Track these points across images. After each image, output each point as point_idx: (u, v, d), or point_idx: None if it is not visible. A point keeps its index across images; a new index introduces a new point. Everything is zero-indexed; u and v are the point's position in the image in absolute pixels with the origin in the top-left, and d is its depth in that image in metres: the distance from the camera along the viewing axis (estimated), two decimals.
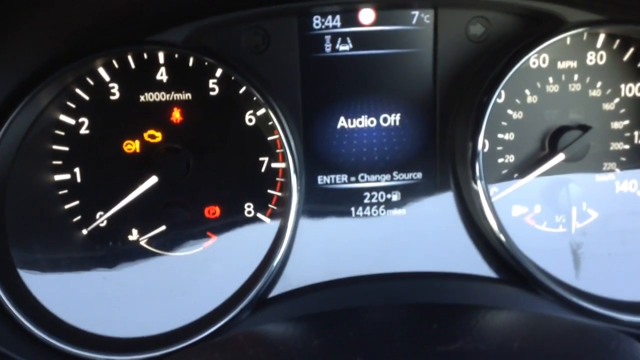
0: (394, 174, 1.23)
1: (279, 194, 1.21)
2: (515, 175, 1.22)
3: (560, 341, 0.81)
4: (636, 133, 1.22)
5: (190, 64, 1.16)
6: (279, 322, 0.95)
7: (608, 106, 1.21)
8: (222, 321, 1.11)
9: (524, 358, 0.73)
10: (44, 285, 1.17)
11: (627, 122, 1.21)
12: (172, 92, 1.17)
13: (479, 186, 1.13)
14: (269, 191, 1.21)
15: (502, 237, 1.14)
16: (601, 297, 1.18)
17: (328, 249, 1.21)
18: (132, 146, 1.18)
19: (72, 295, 1.17)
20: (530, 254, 1.19)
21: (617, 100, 1.21)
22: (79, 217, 1.20)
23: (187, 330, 1.13)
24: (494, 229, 1.14)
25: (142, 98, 1.17)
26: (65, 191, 1.19)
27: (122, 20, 1.08)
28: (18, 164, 1.14)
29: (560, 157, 1.18)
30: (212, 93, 1.17)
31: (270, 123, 1.15)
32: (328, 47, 1.18)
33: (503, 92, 1.19)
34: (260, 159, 1.20)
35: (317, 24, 1.17)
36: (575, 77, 1.19)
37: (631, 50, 1.19)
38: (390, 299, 1.11)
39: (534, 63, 1.19)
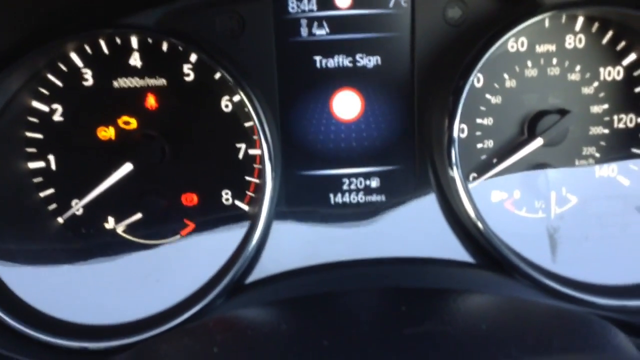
0: (373, 160, 1.22)
1: (257, 180, 1.20)
2: (495, 160, 1.21)
3: (529, 323, 0.81)
4: (615, 117, 1.21)
5: (165, 48, 1.15)
6: (250, 307, 0.94)
7: (587, 90, 1.20)
8: (197, 307, 1.10)
9: (490, 339, 0.72)
10: (18, 274, 1.16)
11: (606, 106, 1.21)
12: (146, 78, 1.16)
13: (455, 172, 1.13)
14: (247, 178, 1.20)
15: (479, 224, 1.14)
16: (577, 280, 1.17)
17: (305, 235, 1.21)
18: (106, 133, 1.17)
19: (45, 283, 1.17)
20: (508, 240, 1.18)
21: (596, 84, 1.20)
22: (54, 205, 1.19)
23: (161, 316, 1.12)
24: (470, 215, 1.14)
25: (115, 84, 1.15)
26: (40, 179, 1.18)
27: (93, 2, 1.07)
28: None
29: (538, 141, 1.17)
30: (187, 79, 1.16)
31: (246, 109, 1.13)
32: (304, 31, 1.17)
33: (481, 77, 1.18)
34: (237, 145, 1.19)
35: (292, 8, 1.16)
36: (554, 60, 1.18)
37: (610, 33, 1.18)
38: (368, 285, 1.11)
39: (512, 47, 1.18)
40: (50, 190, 1.18)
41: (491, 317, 0.80)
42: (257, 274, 1.17)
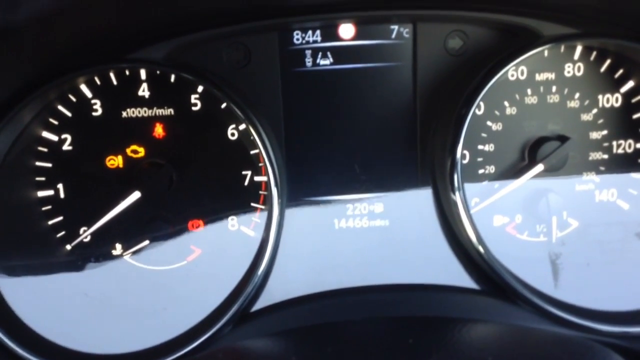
0: (377, 185, 1.24)
1: (262, 207, 1.22)
2: (496, 185, 1.23)
3: (534, 353, 0.82)
4: (614, 143, 1.23)
5: (172, 79, 1.17)
6: (258, 337, 0.95)
7: (586, 117, 1.22)
8: (204, 336, 1.11)
9: None
10: (26, 301, 1.17)
11: (605, 132, 1.23)
12: (155, 108, 1.18)
13: (457, 197, 1.14)
14: (253, 204, 1.22)
15: (481, 249, 1.15)
16: (580, 307, 1.19)
17: (311, 262, 1.22)
18: (115, 162, 1.19)
19: (52, 310, 1.18)
20: (509, 265, 1.20)
21: (595, 110, 1.22)
22: (62, 233, 1.20)
23: (168, 346, 1.13)
24: (472, 240, 1.15)
25: (124, 114, 1.18)
26: (49, 207, 1.19)
27: (104, 37, 1.09)
28: (0, 180, 1.14)
29: (539, 167, 1.19)
30: (194, 108, 1.18)
31: (252, 137, 1.15)
32: (309, 61, 1.20)
33: (482, 104, 1.20)
34: (243, 172, 1.21)
35: (297, 39, 1.19)
36: (554, 88, 1.21)
37: (608, 61, 1.20)
38: (373, 312, 1.12)
39: (512, 75, 1.20)
40: (59, 218, 1.20)
41: (496, 348, 0.82)
42: (263, 302, 1.18)
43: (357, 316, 1.05)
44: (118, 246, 1.21)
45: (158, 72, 1.15)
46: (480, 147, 1.22)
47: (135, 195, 1.16)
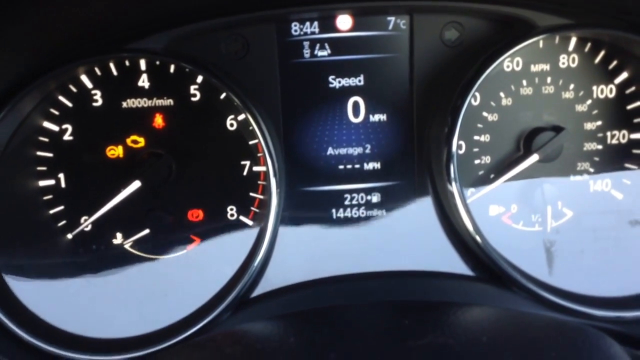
0: (374, 175, 1.26)
1: (261, 196, 1.23)
2: (492, 176, 1.25)
3: (528, 335, 0.83)
4: (609, 133, 1.25)
5: (172, 70, 1.18)
6: (257, 321, 0.97)
7: (581, 107, 1.24)
8: (203, 322, 1.13)
9: (491, 351, 0.75)
10: (29, 288, 1.19)
11: (599, 122, 1.24)
12: (154, 98, 1.19)
13: (454, 187, 1.16)
14: (251, 194, 1.23)
15: (477, 237, 1.17)
16: (574, 293, 1.20)
17: (309, 250, 1.24)
18: (115, 152, 1.20)
19: (56, 297, 1.20)
20: (505, 253, 1.21)
21: (589, 101, 1.24)
22: (63, 222, 1.22)
23: (168, 331, 1.15)
24: (469, 229, 1.17)
25: (124, 104, 1.19)
26: (50, 196, 1.21)
27: (104, 28, 1.10)
28: (2, 170, 1.16)
29: (534, 157, 1.20)
30: (193, 99, 1.20)
31: (251, 127, 1.17)
32: (307, 52, 1.21)
33: (478, 95, 1.22)
34: (242, 162, 1.22)
35: (295, 31, 1.20)
36: (549, 79, 1.22)
37: (602, 52, 1.22)
38: (370, 298, 1.13)
39: (507, 66, 1.22)
40: (60, 208, 1.21)
41: (491, 330, 0.83)
42: (262, 288, 1.20)
43: (354, 302, 1.06)
44: (119, 235, 1.23)
45: (158, 62, 1.17)
46: (476, 137, 1.24)
47: (136, 184, 1.18)
